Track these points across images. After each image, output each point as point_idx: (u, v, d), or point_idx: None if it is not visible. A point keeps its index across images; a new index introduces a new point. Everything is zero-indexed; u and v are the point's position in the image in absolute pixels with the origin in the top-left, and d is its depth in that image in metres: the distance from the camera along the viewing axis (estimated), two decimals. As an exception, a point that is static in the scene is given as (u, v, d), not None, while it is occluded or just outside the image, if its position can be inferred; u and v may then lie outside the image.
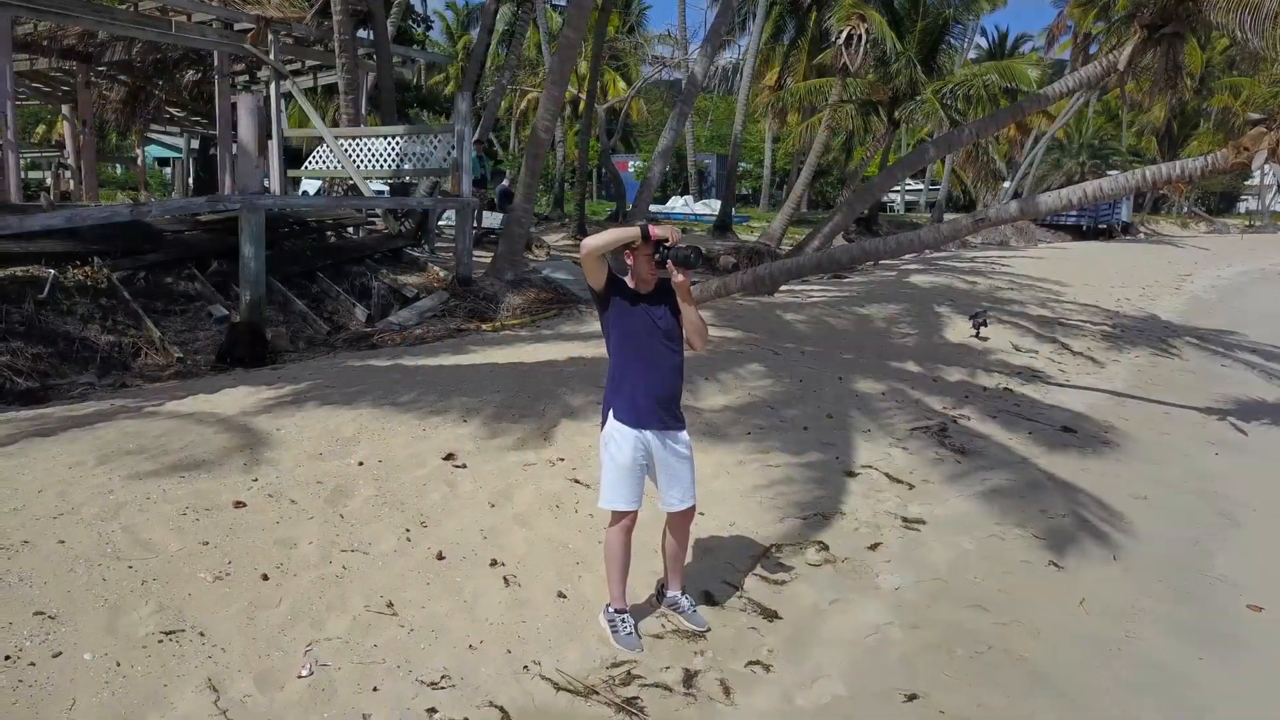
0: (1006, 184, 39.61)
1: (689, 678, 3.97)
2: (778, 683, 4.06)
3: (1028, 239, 40.95)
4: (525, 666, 3.87)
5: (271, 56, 13.27)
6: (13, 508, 4.38)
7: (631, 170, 42.66)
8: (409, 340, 10.25)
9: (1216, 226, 68.72)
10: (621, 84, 41.04)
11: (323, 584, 4.17)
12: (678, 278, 4.10)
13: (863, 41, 21.45)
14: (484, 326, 11.06)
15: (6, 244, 9.14)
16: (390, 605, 4.09)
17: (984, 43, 48.05)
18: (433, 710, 3.47)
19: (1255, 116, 8.70)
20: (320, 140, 14.06)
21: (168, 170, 36.24)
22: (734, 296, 13.49)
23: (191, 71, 16.21)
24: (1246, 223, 75.97)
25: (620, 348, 4.23)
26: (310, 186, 22.62)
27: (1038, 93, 14.65)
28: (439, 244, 14.92)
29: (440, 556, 4.57)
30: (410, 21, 23.75)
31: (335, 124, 16.32)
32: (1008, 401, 9.76)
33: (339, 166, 13.70)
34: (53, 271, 9.41)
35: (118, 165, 33.84)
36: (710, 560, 5.07)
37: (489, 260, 13.42)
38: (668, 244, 4.07)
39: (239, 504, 4.72)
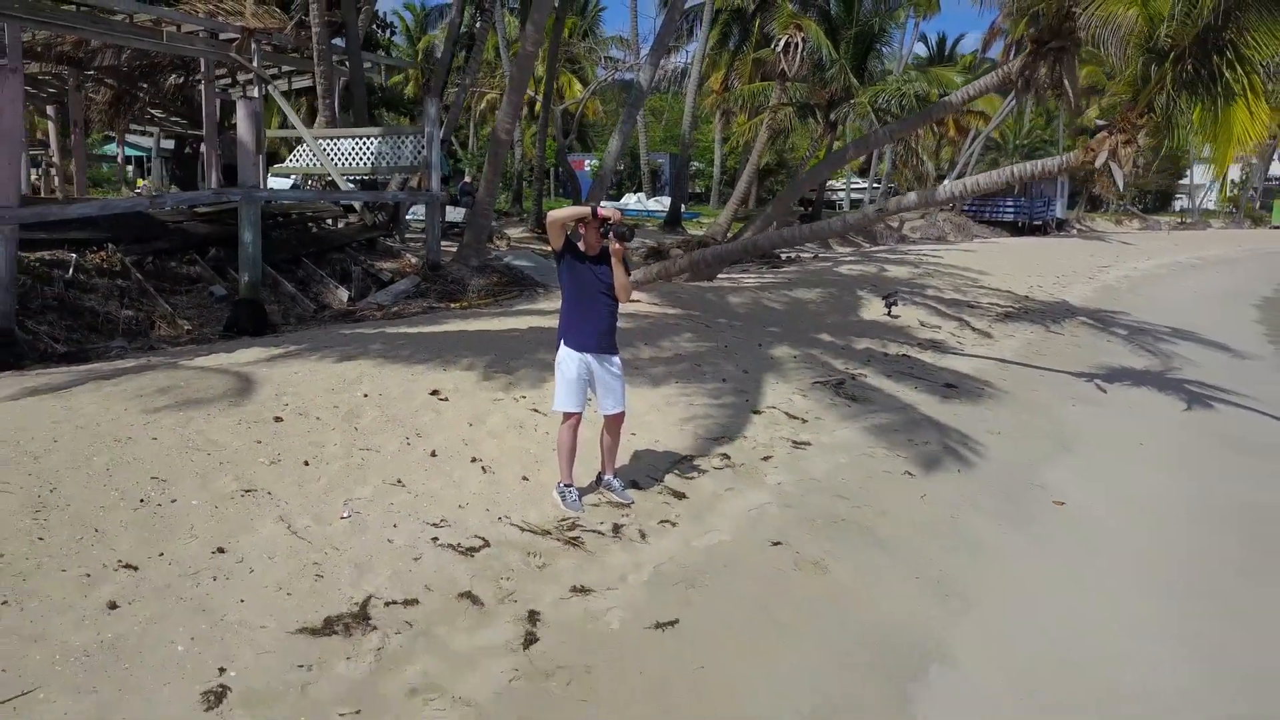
0: (946, 181, 41.70)
1: (616, 529, 5.54)
2: (680, 533, 5.65)
3: (965, 234, 43.05)
4: (499, 518, 5.42)
5: (254, 63, 14.60)
6: (112, 417, 5.83)
7: (588, 168, 44.17)
8: (388, 316, 11.71)
9: (1150, 224, 71.75)
10: (578, 85, 42.48)
11: (348, 468, 5.68)
12: (615, 246, 5.66)
13: (799, 50, 23.20)
14: (453, 305, 12.55)
15: (33, 232, 10.46)
16: (400, 482, 5.61)
17: (925, 49, 50.33)
18: (435, 539, 5.00)
19: (1100, 124, 10.46)
20: (295, 141, 15.41)
21: (130, 168, 37.15)
22: (680, 282, 15.10)
23: (174, 76, 17.44)
24: (1179, 220, 79.19)
25: (570, 294, 5.79)
26: (278, 183, 23.85)
27: (944, 100, 16.41)
28: (408, 235, 16.34)
29: (433, 454, 6.09)
30: (375, 27, 25.04)
31: (308, 125, 17.66)
32: (905, 365, 11.47)
33: (317, 164, 15.08)
34: (75, 255, 10.74)
35: (88, 164, 34.57)
36: (638, 464, 6.64)
37: (455, 250, 14.89)
38: (610, 221, 5.63)
39: (278, 418, 6.21)
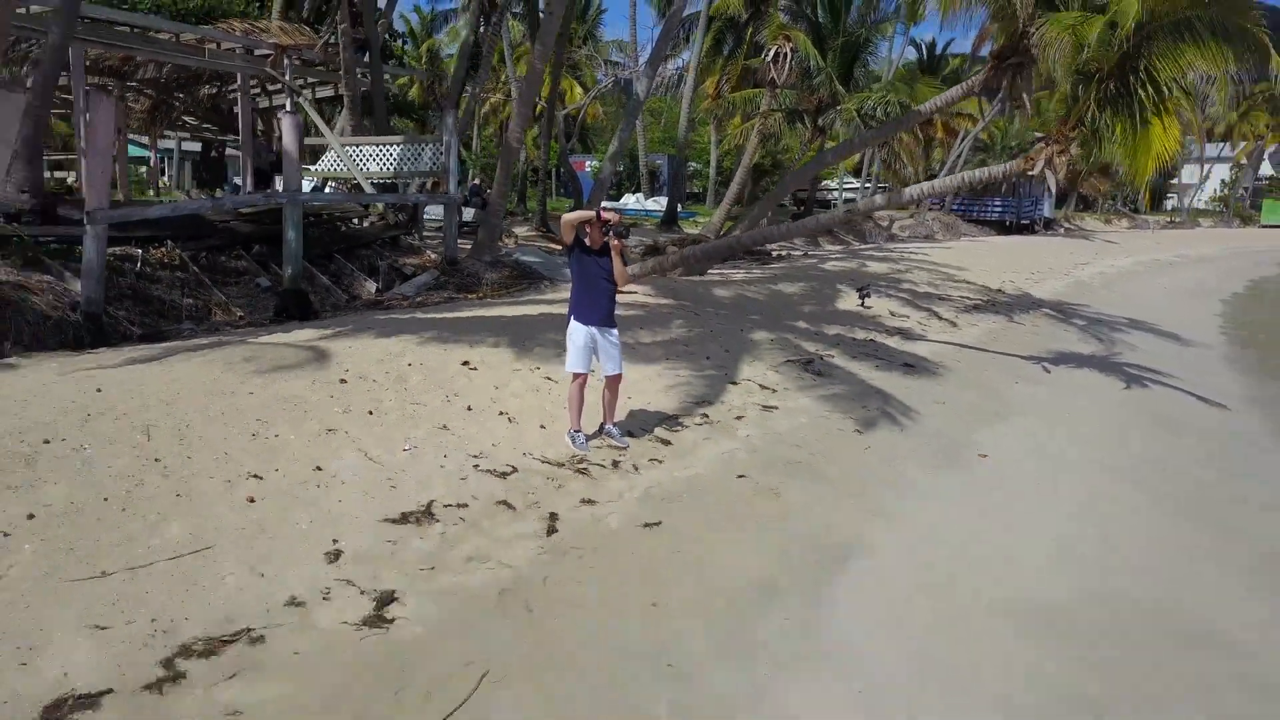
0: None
1: (615, 464, 7.05)
2: (665, 468, 7.17)
3: (953, 233, 44.59)
4: (523, 455, 6.93)
5: (286, 77, 16.11)
6: (213, 378, 7.35)
7: (589, 169, 45.68)
8: (414, 305, 13.23)
9: (1138, 223, 73.25)
10: (579, 90, 43.96)
11: (403, 418, 7.20)
12: (615, 242, 7.17)
13: (788, 59, 24.70)
14: (470, 296, 14.07)
15: (109, 230, 11.95)
16: (445, 427, 7.13)
17: (916, 53, 51.80)
18: (476, 466, 6.52)
19: (1038, 135, 11.96)
20: (319, 147, 16.90)
21: (143, 169, 38.73)
22: (674, 276, 16.62)
23: (208, 87, 18.96)
24: (1168, 219, 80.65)
25: (578, 279, 7.29)
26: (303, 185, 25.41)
27: (913, 111, 17.91)
28: (425, 233, 17.85)
29: (469, 408, 7.61)
30: (388, 37, 26.55)
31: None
32: (870, 348, 12.98)
33: (343, 168, 16.59)
34: (140, 251, 12.25)
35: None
36: (633, 419, 8.15)
37: (469, 246, 16.40)
38: (611, 222, 7.14)
39: (343, 380, 7.72)
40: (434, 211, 18.95)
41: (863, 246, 32.57)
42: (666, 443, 7.72)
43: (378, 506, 5.68)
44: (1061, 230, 57.84)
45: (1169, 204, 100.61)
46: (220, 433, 6.28)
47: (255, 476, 5.76)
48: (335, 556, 5.02)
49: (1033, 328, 17.33)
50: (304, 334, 9.67)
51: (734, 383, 9.84)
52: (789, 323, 13.90)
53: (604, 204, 16.56)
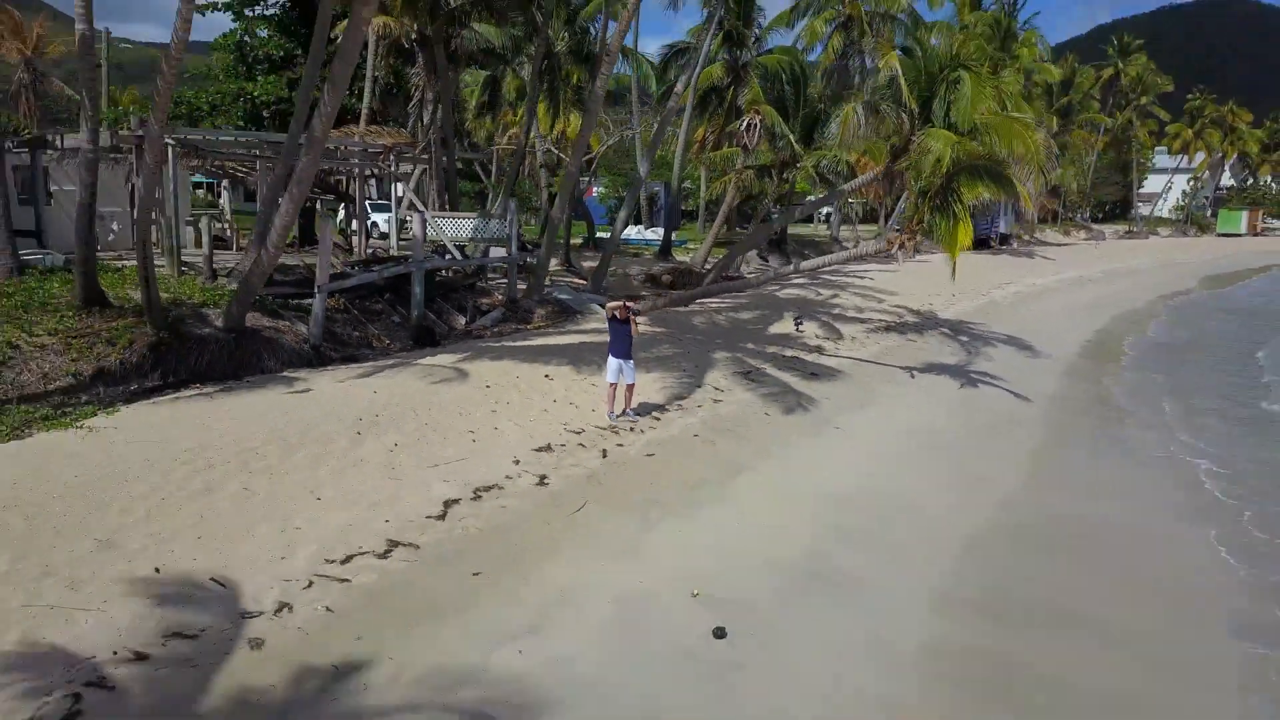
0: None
1: (632, 428, 13.93)
2: (657, 431, 14.04)
3: (912, 252, 51.50)
4: (584, 425, 13.80)
5: (394, 169, 22.98)
6: (416, 386, 14.23)
7: (595, 195, 52.60)
8: (492, 335, 20.08)
9: (1094, 234, 79.97)
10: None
11: (524, 406, 14.06)
12: (630, 316, 14.07)
13: (757, 128, 31.53)
14: (527, 328, 20.93)
15: (285, 288, 18.78)
16: (545, 410, 14.00)
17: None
18: (564, 427, 13.39)
19: (895, 227, 18.83)
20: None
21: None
22: (663, 309, 23.51)
23: (324, 168, 25.81)
24: (1127, 229, 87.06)
25: (612, 334, 14.18)
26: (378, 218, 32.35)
27: (838, 189, 24.75)
28: (489, 276, 24.74)
29: (554, 400, 14.49)
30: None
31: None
32: (794, 362, 19.82)
33: (433, 233, 23.44)
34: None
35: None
36: (639, 408, 15.01)
37: (523, 289, 23.25)
38: (626, 306, 14.04)
39: (487, 386, 14.60)
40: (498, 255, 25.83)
41: (822, 270, 39.48)
42: (658, 419, 14.58)
43: (525, 443, 12.53)
44: (1015, 243, 64.57)
45: (1141, 211, 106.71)
46: (436, 414, 13.15)
47: (470, 432, 12.62)
48: (519, 461, 11.86)
49: (921, 344, 24.20)
50: (443, 358, 16.55)
51: (699, 386, 16.71)
52: (741, 344, 20.79)
53: (626, 303, 23.28)
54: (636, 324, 14.23)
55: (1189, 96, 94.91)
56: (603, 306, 19.36)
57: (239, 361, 15.26)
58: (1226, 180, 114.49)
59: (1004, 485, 13.72)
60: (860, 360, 21.14)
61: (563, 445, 12.74)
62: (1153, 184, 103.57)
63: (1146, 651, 8.95)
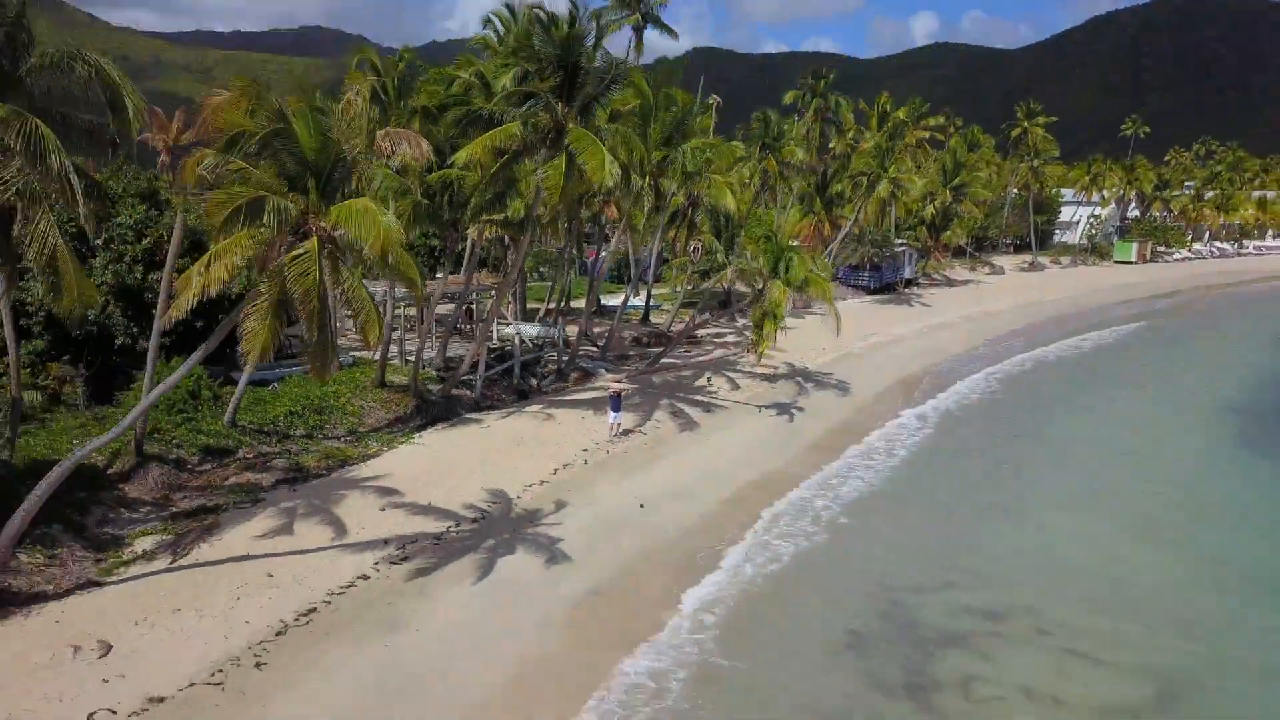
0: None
1: (618, 445, 34.36)
2: (630, 444, 34.43)
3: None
4: (596, 443, 34.14)
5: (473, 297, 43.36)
6: (536, 423, 34.72)
7: (602, 256, 72.87)
8: (552, 391, 40.41)
9: (995, 269, 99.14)
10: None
11: (574, 430, 34.45)
12: (618, 394, 34.52)
13: (699, 249, 51.95)
14: (566, 385, 41.28)
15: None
16: (583, 433, 34.40)
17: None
18: (583, 451, 33.80)
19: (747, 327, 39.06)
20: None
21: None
22: (637, 375, 43.90)
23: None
24: (1030, 261, 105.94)
25: (611, 398, 34.60)
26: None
27: (757, 289, 45.06)
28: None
29: (586, 428, 34.91)
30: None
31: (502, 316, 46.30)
32: (702, 404, 40.12)
33: (511, 331, 43.77)
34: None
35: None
36: (623, 434, 35.39)
37: (566, 359, 43.49)
38: (620, 392, 34.52)
39: (557, 421, 35.04)
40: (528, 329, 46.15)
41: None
42: (628, 437, 34.91)
43: (577, 445, 32.84)
44: (920, 283, 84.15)
45: (1058, 238, 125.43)
46: (541, 432, 33.54)
47: (555, 441, 32.99)
48: (555, 470, 32.23)
49: (777, 389, 44.38)
50: (533, 407, 36.98)
51: (649, 420, 37.04)
52: (676, 394, 41.12)
53: (616, 389, 43.94)
54: (622, 396, 34.55)
55: (1091, 159, 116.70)
56: (608, 372, 39.75)
57: (450, 410, 35.72)
58: (1133, 211, 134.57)
59: (772, 465, 33.92)
60: (737, 401, 41.42)
61: (593, 445, 33.06)
62: (1067, 214, 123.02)
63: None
